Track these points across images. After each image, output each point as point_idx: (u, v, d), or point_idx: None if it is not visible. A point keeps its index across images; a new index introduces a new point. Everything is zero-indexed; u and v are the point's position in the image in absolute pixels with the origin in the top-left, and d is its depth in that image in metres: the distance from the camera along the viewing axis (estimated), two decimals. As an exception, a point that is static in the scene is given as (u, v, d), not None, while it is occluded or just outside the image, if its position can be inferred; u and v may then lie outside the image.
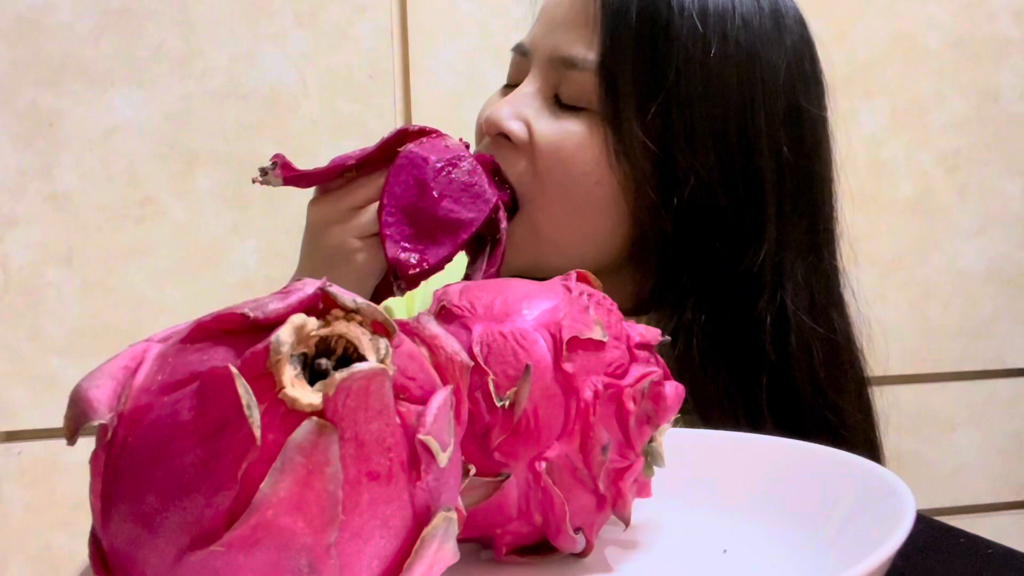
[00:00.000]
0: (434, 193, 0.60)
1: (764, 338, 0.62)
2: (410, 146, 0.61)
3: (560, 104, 0.65)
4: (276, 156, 0.60)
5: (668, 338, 0.39)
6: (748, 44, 0.63)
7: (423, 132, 0.63)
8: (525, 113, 0.65)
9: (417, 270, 0.60)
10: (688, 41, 0.61)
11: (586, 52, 0.63)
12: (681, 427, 0.68)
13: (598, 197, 0.64)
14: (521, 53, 0.69)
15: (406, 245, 0.60)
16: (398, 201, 0.60)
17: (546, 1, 0.69)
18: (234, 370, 0.24)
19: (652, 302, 0.66)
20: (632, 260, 0.66)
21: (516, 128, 0.64)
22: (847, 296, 0.70)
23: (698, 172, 0.62)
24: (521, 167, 0.65)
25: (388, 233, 0.60)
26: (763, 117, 0.63)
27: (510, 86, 0.70)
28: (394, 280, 0.61)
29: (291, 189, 0.62)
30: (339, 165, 0.62)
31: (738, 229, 0.63)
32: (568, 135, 0.63)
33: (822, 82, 0.68)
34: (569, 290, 0.37)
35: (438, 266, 0.61)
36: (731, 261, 0.63)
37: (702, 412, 0.61)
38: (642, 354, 0.37)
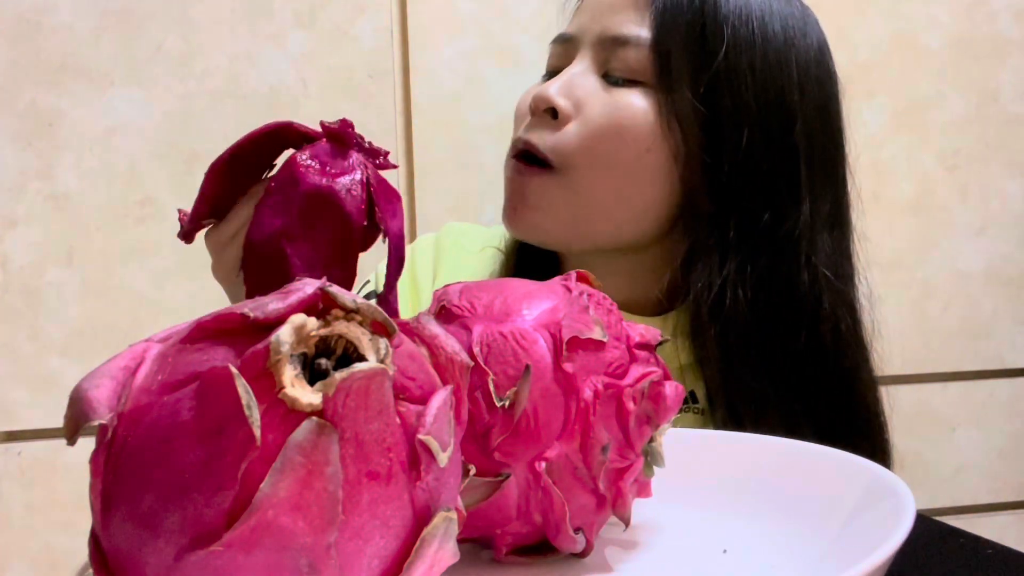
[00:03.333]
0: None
1: (802, 297, 0.68)
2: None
3: (610, 80, 0.69)
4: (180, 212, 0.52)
5: (668, 338, 0.39)
6: (784, 32, 0.69)
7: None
8: (577, 89, 0.68)
9: None
10: (735, 19, 0.67)
11: (638, 30, 0.68)
12: (693, 424, 0.70)
13: (648, 163, 0.67)
14: (565, 41, 0.72)
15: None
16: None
17: None
18: (234, 370, 0.24)
19: (698, 260, 0.69)
20: (679, 226, 0.70)
21: (564, 104, 0.68)
22: (857, 282, 0.74)
23: (744, 141, 0.67)
24: (562, 141, 0.68)
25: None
26: (798, 97, 0.68)
27: (550, 74, 0.73)
28: None
29: None
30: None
31: (777, 197, 0.68)
32: (622, 107, 0.67)
33: (839, 79, 0.74)
34: (569, 290, 0.37)
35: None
36: (772, 225, 0.68)
37: (744, 360, 0.66)
38: (642, 354, 0.37)
